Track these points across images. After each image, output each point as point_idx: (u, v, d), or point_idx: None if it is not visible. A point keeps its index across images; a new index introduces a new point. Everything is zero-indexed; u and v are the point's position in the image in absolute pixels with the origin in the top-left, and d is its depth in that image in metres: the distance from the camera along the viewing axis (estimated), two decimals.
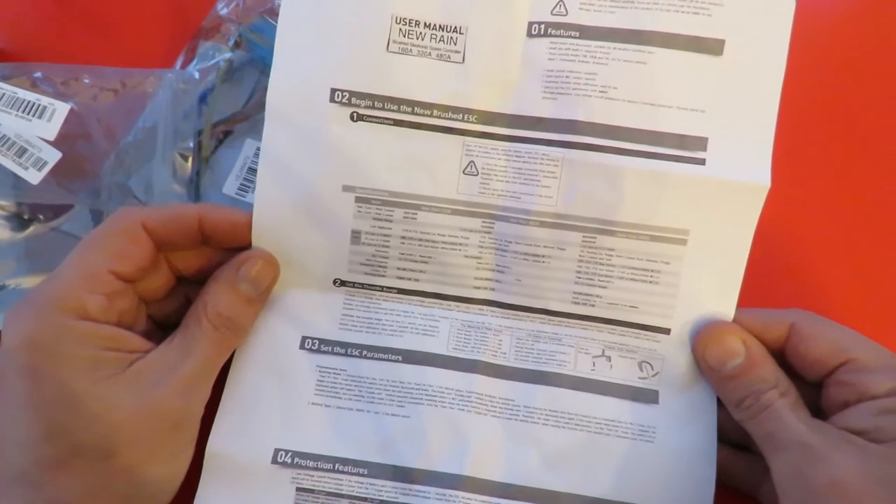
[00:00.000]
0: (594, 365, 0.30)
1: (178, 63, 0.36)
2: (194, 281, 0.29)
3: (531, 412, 0.30)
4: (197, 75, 0.35)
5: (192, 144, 0.34)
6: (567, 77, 0.29)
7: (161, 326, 0.30)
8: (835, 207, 0.35)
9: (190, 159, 0.34)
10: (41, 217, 0.33)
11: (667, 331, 0.30)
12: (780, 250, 0.35)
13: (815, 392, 0.28)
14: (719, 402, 0.29)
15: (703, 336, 0.29)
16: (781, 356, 0.28)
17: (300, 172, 0.29)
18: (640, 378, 0.30)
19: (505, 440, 0.29)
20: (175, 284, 0.29)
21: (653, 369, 0.30)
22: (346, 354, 0.30)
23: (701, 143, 0.29)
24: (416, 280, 0.31)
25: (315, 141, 0.29)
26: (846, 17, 0.39)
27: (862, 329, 0.27)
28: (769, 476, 0.26)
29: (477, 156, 0.30)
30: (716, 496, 0.29)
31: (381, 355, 0.30)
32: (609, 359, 0.30)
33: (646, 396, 0.30)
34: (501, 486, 0.29)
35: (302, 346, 0.30)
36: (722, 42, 0.28)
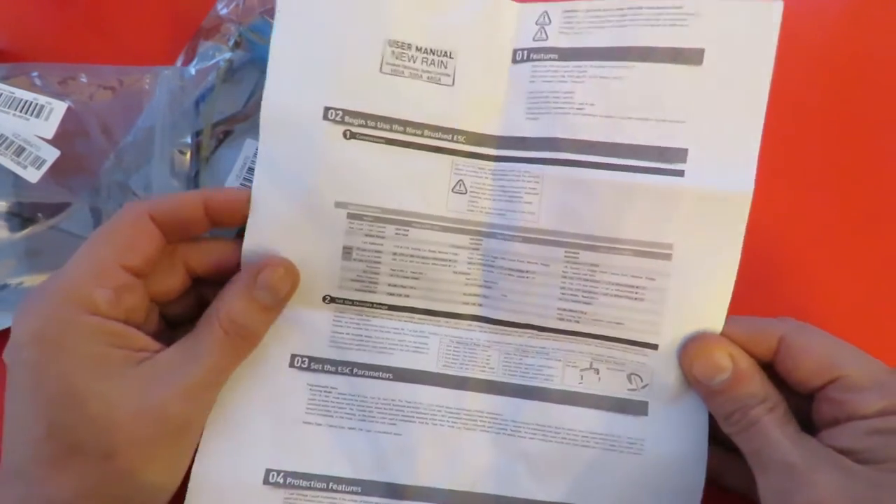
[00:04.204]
0: (582, 378, 0.30)
1: (178, 63, 0.35)
2: (210, 281, 0.28)
3: (518, 426, 0.29)
4: (194, 72, 0.35)
5: (190, 142, 0.34)
6: (547, 97, 0.29)
7: (174, 325, 0.29)
8: (824, 214, 0.35)
9: (188, 155, 0.34)
10: (40, 215, 0.33)
11: (654, 346, 0.29)
12: (770, 257, 0.34)
13: (807, 402, 0.27)
14: None
15: (690, 350, 0.28)
16: (771, 367, 0.27)
17: (293, 188, 0.28)
18: (629, 390, 0.29)
19: (494, 455, 0.29)
20: (190, 285, 0.28)
21: (642, 381, 0.29)
22: (336, 372, 0.30)
23: (681, 154, 0.27)
24: (407, 296, 0.30)
25: (308, 157, 0.28)
26: (835, 22, 0.37)
27: (850, 335, 0.26)
28: None
29: (465, 175, 0.30)
30: (711, 498, 0.28)
31: (371, 373, 0.30)
32: (597, 371, 0.30)
33: (635, 408, 0.29)
34: (492, 499, 0.29)
35: (292, 365, 0.29)
36: (701, 51, 0.27)
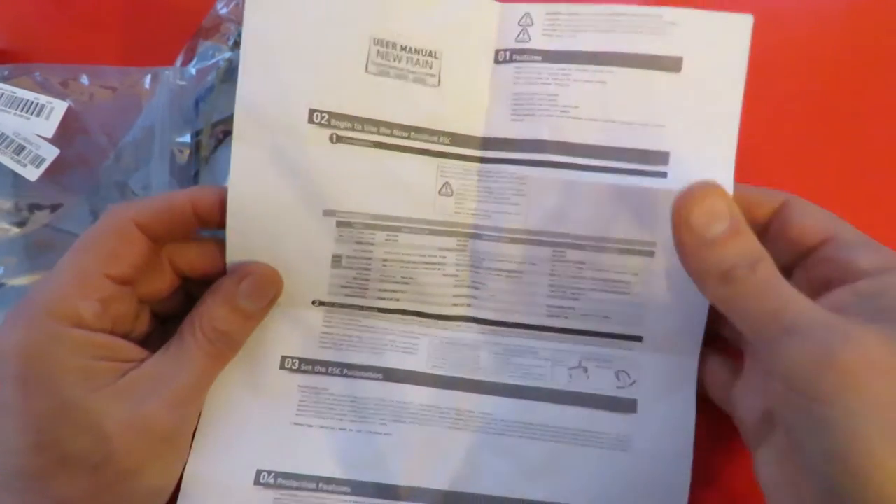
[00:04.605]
0: (571, 376, 0.30)
1: (178, 63, 0.35)
2: (198, 280, 0.28)
3: (509, 426, 0.30)
4: (194, 72, 0.35)
5: (190, 142, 0.34)
6: (532, 99, 0.29)
7: (166, 320, 0.29)
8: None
9: (188, 155, 0.34)
10: (40, 214, 0.33)
11: (639, 338, 0.30)
12: None
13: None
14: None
15: (688, 197, 0.24)
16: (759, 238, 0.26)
17: (277, 198, 0.28)
18: (618, 387, 0.30)
19: (484, 454, 0.29)
20: (179, 284, 0.28)
21: (630, 378, 0.30)
22: (326, 373, 0.30)
23: (663, 157, 0.28)
24: (397, 300, 0.30)
25: (293, 164, 0.28)
26: (814, 23, 0.37)
27: None
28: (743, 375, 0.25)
29: (451, 177, 0.29)
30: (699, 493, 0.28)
31: (362, 373, 0.30)
32: (586, 370, 0.30)
33: (623, 406, 0.30)
34: (483, 499, 0.29)
35: (282, 366, 0.30)
36: (679, 59, 0.28)
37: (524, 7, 0.29)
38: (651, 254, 0.29)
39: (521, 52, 0.29)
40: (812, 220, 0.26)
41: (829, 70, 0.36)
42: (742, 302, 0.23)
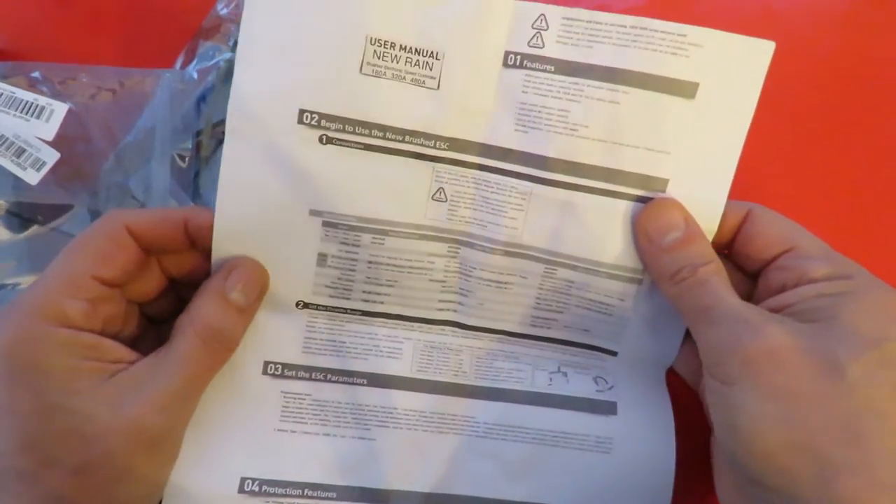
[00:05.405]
0: (551, 380, 0.30)
1: (178, 63, 0.35)
2: (187, 283, 0.28)
3: (491, 428, 0.30)
4: (195, 75, 0.34)
5: (190, 144, 0.34)
6: (539, 112, 0.28)
7: (158, 322, 0.29)
8: (819, 222, 0.34)
9: (188, 156, 0.34)
10: (40, 217, 0.33)
11: (614, 353, 0.31)
12: None
13: (750, 287, 0.28)
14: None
15: (648, 209, 0.28)
16: (726, 248, 0.28)
17: (264, 195, 0.27)
18: (597, 391, 0.30)
19: (468, 457, 0.29)
20: (168, 285, 0.28)
21: (607, 383, 0.31)
22: (310, 379, 0.29)
23: (661, 184, 0.28)
24: (381, 303, 0.30)
25: (281, 163, 0.27)
26: (834, 22, 0.37)
27: None
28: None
29: (446, 182, 0.29)
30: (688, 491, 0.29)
31: (345, 379, 0.30)
32: (565, 374, 0.31)
33: (604, 408, 0.30)
34: (466, 500, 0.29)
35: (265, 372, 0.29)
36: (696, 85, 0.27)
37: (540, 7, 0.27)
38: (639, 281, 0.29)
39: (533, 58, 0.28)
40: (774, 230, 0.27)
41: (822, 79, 0.36)
42: (685, 298, 0.26)
